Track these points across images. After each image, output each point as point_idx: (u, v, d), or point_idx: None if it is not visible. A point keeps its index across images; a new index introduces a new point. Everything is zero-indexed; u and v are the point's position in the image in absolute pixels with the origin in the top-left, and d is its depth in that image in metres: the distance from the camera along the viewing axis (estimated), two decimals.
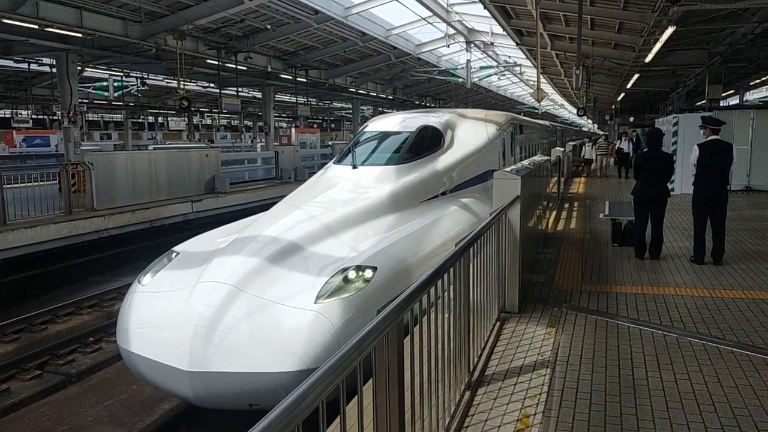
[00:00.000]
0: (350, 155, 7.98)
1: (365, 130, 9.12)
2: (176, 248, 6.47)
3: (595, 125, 59.04)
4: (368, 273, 5.22)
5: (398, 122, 9.00)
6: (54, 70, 20.31)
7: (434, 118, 8.99)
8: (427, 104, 40.88)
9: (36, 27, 14.15)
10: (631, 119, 36.83)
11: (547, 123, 23.34)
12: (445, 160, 8.19)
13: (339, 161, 8.19)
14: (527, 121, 15.46)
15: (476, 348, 3.97)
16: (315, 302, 4.89)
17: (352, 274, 5.19)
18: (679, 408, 3.51)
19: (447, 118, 9.16)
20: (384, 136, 8.60)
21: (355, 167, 7.69)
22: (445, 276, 2.95)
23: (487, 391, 3.74)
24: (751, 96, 34.10)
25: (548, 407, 3.52)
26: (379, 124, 9.21)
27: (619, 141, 21.67)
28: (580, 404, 3.57)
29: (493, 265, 4.52)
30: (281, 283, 5.22)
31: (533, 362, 4.20)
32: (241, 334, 4.73)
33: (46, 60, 21.91)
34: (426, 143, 8.23)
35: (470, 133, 9.02)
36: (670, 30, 11.99)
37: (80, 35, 15.50)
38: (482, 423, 3.33)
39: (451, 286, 3.14)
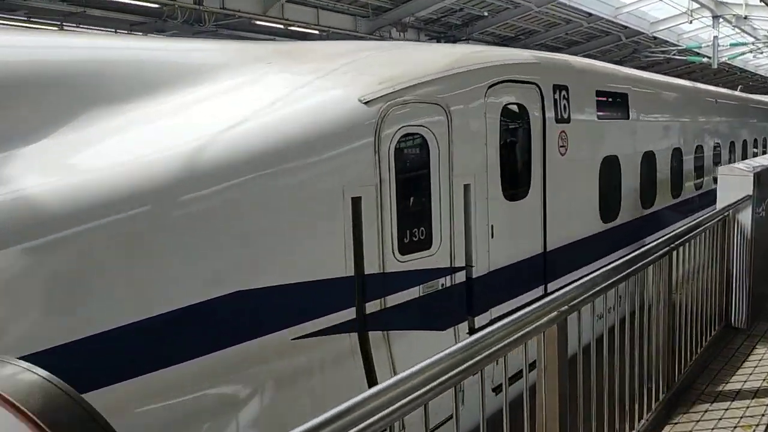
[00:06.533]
0: None
1: None
2: None
3: None
4: None
5: None
6: None
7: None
8: None
9: (281, 27, 16.09)
10: None
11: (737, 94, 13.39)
12: None
13: None
14: (645, 83, 7.58)
15: (681, 361, 3.52)
16: None
17: None
18: None
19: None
20: None
21: None
22: (635, 276, 2.65)
23: (689, 411, 3.28)
24: None
25: None
26: None
27: None
28: None
29: (714, 271, 3.99)
30: None
31: (755, 387, 3.58)
32: None
33: None
34: None
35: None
36: None
37: (317, 32, 17.26)
38: None
39: (646, 289, 2.82)
